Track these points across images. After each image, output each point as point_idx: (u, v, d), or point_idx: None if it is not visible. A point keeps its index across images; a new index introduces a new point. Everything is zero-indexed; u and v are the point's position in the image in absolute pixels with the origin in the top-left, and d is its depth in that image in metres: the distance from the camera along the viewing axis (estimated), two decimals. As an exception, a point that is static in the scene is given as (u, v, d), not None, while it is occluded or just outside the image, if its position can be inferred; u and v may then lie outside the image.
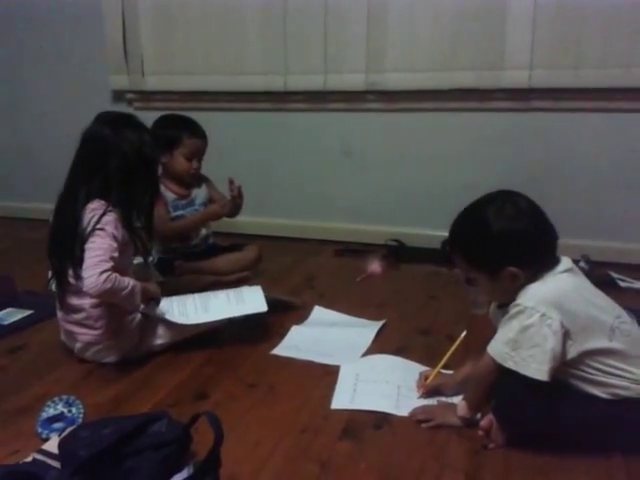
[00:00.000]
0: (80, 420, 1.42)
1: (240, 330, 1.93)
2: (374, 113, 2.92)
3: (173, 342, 1.82)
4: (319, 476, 1.27)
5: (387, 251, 2.79)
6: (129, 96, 3.26)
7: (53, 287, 1.78)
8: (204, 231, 2.47)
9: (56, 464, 1.20)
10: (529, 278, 1.33)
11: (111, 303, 1.68)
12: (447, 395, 1.53)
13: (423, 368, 1.67)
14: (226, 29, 3.00)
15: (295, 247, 2.97)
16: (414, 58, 2.76)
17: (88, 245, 1.63)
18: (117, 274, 1.61)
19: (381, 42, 2.79)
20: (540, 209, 1.35)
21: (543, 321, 1.26)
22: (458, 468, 1.30)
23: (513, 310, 1.31)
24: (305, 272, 2.62)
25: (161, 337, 1.81)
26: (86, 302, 1.71)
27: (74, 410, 1.44)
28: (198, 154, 2.36)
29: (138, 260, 1.99)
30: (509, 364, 1.29)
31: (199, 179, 2.45)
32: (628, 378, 1.29)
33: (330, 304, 2.19)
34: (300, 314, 2.12)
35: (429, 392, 1.54)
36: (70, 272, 1.70)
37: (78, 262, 1.65)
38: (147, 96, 3.22)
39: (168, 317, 1.79)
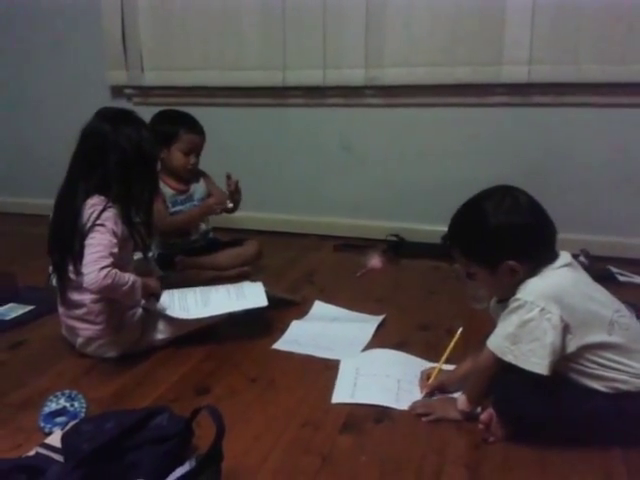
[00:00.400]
0: (82, 414, 1.43)
1: (241, 325, 1.93)
2: (373, 108, 2.92)
3: (174, 337, 1.83)
4: (320, 470, 1.28)
5: (387, 246, 2.79)
6: (128, 91, 3.26)
7: (54, 282, 1.78)
8: (204, 226, 2.47)
9: (59, 458, 1.20)
10: (528, 272, 1.33)
11: (112, 298, 1.69)
12: (450, 392, 1.53)
13: (423, 362, 1.69)
14: (225, 24, 3.00)
15: (295, 242, 2.97)
16: (413, 53, 2.76)
17: (88, 241, 1.63)
18: (117, 270, 1.62)
19: (380, 37, 2.79)
20: (539, 204, 1.36)
21: (543, 315, 1.27)
22: (458, 462, 1.30)
23: (513, 304, 1.32)
24: (305, 267, 2.63)
25: (162, 332, 1.82)
26: (87, 297, 1.71)
27: (76, 404, 1.45)
28: (195, 149, 2.36)
29: (138, 256, 2.00)
30: (509, 358, 1.30)
31: (197, 174, 2.45)
32: (627, 372, 1.29)
33: (330, 299, 2.20)
34: (300, 309, 2.13)
35: (432, 391, 1.54)
36: (70, 268, 1.71)
37: (78, 257, 1.65)
38: (146, 91, 3.22)
39: (169, 312, 1.80)
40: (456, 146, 2.82)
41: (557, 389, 1.31)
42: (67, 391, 1.48)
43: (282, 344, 1.87)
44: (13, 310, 2.10)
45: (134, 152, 1.71)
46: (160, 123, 2.31)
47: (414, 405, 1.49)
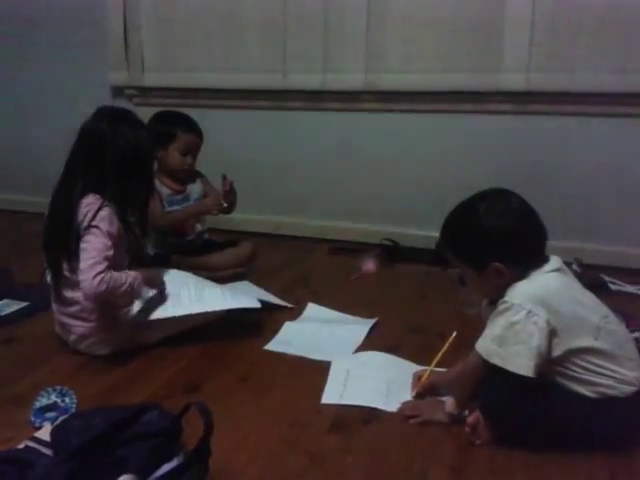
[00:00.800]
0: (73, 410, 1.44)
1: (233, 325, 1.94)
2: (372, 113, 2.93)
3: (167, 335, 1.84)
4: (307, 469, 1.29)
5: (381, 250, 2.80)
6: (129, 92, 3.27)
7: (48, 279, 1.79)
8: (199, 227, 2.49)
9: (48, 451, 1.21)
10: (516, 275, 1.35)
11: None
12: (441, 393, 1.54)
13: (414, 365, 1.70)
14: (226, 27, 3.02)
15: (290, 245, 2.98)
16: (412, 59, 2.78)
17: (83, 245, 1.65)
18: (112, 273, 1.64)
19: (380, 43, 2.81)
20: (531, 209, 1.38)
21: (529, 318, 1.29)
22: (445, 463, 1.32)
23: (500, 307, 1.34)
24: (299, 269, 2.64)
25: (155, 330, 1.83)
26: (80, 295, 1.72)
27: (67, 400, 1.46)
28: (193, 150, 2.38)
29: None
30: (495, 360, 1.31)
31: (194, 175, 2.47)
32: (613, 377, 1.31)
33: (324, 301, 2.21)
34: (293, 311, 2.14)
35: (424, 391, 1.55)
36: (65, 265, 1.72)
37: (73, 256, 1.67)
38: (147, 92, 3.24)
39: (161, 314, 1.80)
40: (453, 152, 2.83)
41: (544, 393, 1.33)
42: (58, 387, 1.50)
43: (274, 345, 1.88)
44: (7, 306, 2.11)
45: (131, 152, 1.72)
46: (158, 123, 2.33)
47: (402, 407, 1.50)
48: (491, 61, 2.66)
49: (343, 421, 1.46)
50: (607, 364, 1.31)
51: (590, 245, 2.64)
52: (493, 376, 1.33)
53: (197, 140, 2.38)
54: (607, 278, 2.42)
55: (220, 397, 1.56)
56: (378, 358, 1.77)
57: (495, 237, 1.34)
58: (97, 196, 1.70)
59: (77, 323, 1.75)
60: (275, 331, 1.96)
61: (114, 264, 1.66)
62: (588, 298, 1.39)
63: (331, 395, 1.57)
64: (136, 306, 1.79)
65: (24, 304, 2.12)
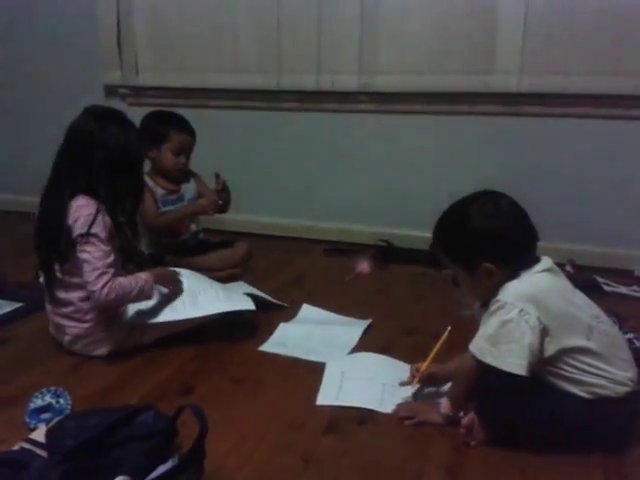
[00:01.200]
0: (68, 411, 1.44)
1: (228, 326, 1.94)
2: (365, 114, 2.94)
3: (161, 337, 1.83)
4: (302, 470, 1.30)
5: (376, 251, 2.81)
6: (122, 91, 3.26)
7: (41, 280, 1.79)
8: (194, 227, 2.49)
9: (43, 453, 1.21)
10: (507, 276, 1.36)
11: None
12: (439, 383, 1.54)
13: (408, 366, 1.69)
14: (220, 27, 3.02)
15: (285, 246, 2.98)
16: (406, 61, 2.79)
17: (83, 255, 1.65)
18: (120, 280, 1.67)
19: (374, 44, 2.81)
20: (522, 210, 1.39)
21: (521, 316, 1.30)
22: (439, 464, 1.32)
23: (493, 307, 1.35)
24: (294, 271, 2.64)
25: (150, 332, 1.82)
26: (74, 296, 1.73)
27: (62, 401, 1.46)
28: (186, 149, 2.38)
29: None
30: (488, 359, 1.32)
31: (188, 175, 2.47)
32: (606, 377, 1.32)
33: (318, 302, 2.21)
34: (288, 312, 2.14)
35: (423, 381, 1.54)
36: (57, 267, 1.72)
37: (64, 257, 1.68)
38: (140, 92, 3.23)
39: (155, 319, 1.80)
40: (446, 153, 2.84)
41: (538, 394, 1.33)
42: (53, 388, 1.49)
43: (269, 346, 1.88)
44: (1, 307, 2.10)
45: (120, 153, 1.71)
46: (151, 123, 2.33)
47: (397, 408, 1.50)
48: (484, 63, 2.68)
49: (338, 422, 1.47)
50: (599, 364, 1.32)
51: (583, 246, 2.65)
52: (487, 377, 1.34)
53: (190, 139, 2.38)
54: (600, 279, 2.43)
55: (215, 398, 1.56)
56: (373, 359, 1.77)
57: (485, 238, 1.36)
58: (87, 197, 1.69)
59: (71, 324, 1.75)
60: (270, 332, 1.96)
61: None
62: (579, 298, 1.40)
63: (326, 396, 1.57)
64: (131, 309, 1.79)
65: (18, 305, 2.12)
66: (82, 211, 1.67)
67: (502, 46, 2.63)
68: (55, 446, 1.19)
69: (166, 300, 1.83)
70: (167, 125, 2.34)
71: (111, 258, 1.67)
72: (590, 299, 1.42)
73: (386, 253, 2.81)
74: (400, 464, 1.32)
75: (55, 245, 1.69)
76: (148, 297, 1.77)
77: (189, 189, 2.45)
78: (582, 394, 1.32)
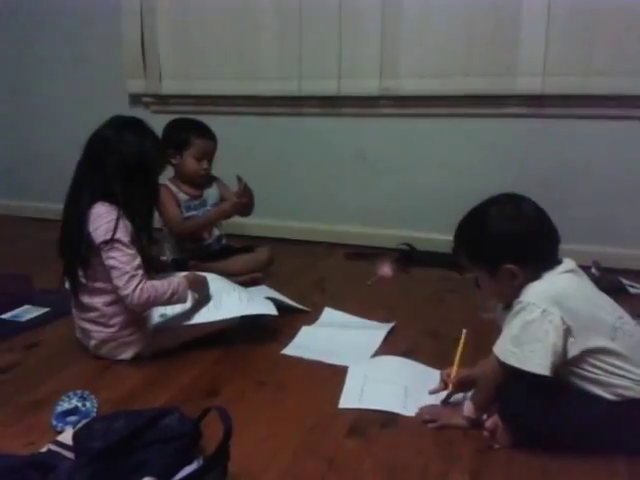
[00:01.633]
0: (94, 414, 1.45)
1: (251, 330, 1.95)
2: (387, 118, 2.95)
3: (186, 341, 1.85)
4: (326, 473, 1.30)
5: (398, 255, 2.80)
6: (146, 99, 3.31)
7: (67, 285, 1.82)
8: (217, 232, 2.51)
9: (70, 455, 1.23)
10: (529, 277, 1.36)
11: None
12: (470, 387, 1.49)
13: (431, 370, 1.70)
14: (242, 34, 3.05)
15: (307, 250, 2.99)
16: (428, 64, 2.79)
17: (110, 262, 1.68)
18: (153, 282, 1.70)
19: (395, 48, 2.82)
20: (543, 212, 1.39)
21: (545, 317, 1.29)
22: (463, 468, 1.31)
23: (516, 308, 1.35)
24: (316, 274, 2.65)
25: (174, 336, 1.84)
26: (99, 300, 1.75)
27: (88, 404, 1.48)
28: (207, 155, 2.40)
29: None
30: (512, 361, 1.32)
31: (210, 180, 2.49)
32: (631, 378, 1.30)
33: (340, 306, 2.21)
34: (310, 315, 2.15)
35: (458, 385, 1.51)
36: (80, 272, 1.74)
37: (86, 263, 1.71)
38: (164, 100, 3.27)
39: (180, 322, 1.82)
40: (469, 156, 2.83)
41: (562, 397, 1.32)
42: (79, 391, 1.51)
43: (291, 349, 1.89)
44: (28, 312, 2.14)
45: (134, 159, 1.72)
46: (172, 130, 2.37)
47: (420, 411, 1.50)
48: (507, 65, 2.66)
49: (361, 425, 1.47)
50: (624, 365, 1.30)
51: (608, 248, 2.62)
52: (511, 380, 1.33)
53: (211, 144, 2.40)
54: (626, 281, 2.40)
55: (238, 401, 1.57)
56: (395, 362, 1.77)
57: (506, 239, 1.36)
58: (107, 204, 1.71)
59: (97, 329, 1.78)
60: (292, 336, 1.97)
61: None
62: (603, 299, 1.39)
63: (349, 400, 1.58)
64: (155, 313, 1.81)
65: (44, 310, 2.15)
66: (103, 219, 1.69)
67: (525, 47, 2.62)
68: (82, 448, 1.21)
69: (194, 305, 1.85)
70: (188, 132, 2.37)
71: (138, 260, 1.69)
72: (615, 301, 1.41)
73: (408, 257, 2.80)
74: (423, 467, 1.32)
75: (77, 251, 1.71)
76: (183, 300, 1.79)
77: (212, 194, 2.47)
78: (606, 395, 1.31)
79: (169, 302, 1.76)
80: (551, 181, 2.64)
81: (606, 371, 1.30)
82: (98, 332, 1.77)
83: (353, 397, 1.59)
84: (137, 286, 1.66)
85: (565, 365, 1.31)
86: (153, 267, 1.89)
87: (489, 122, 2.79)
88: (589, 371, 1.31)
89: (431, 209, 2.89)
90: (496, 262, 1.37)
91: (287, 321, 2.05)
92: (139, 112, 3.11)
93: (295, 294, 2.26)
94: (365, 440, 1.41)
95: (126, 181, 1.72)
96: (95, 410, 1.47)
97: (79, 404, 1.47)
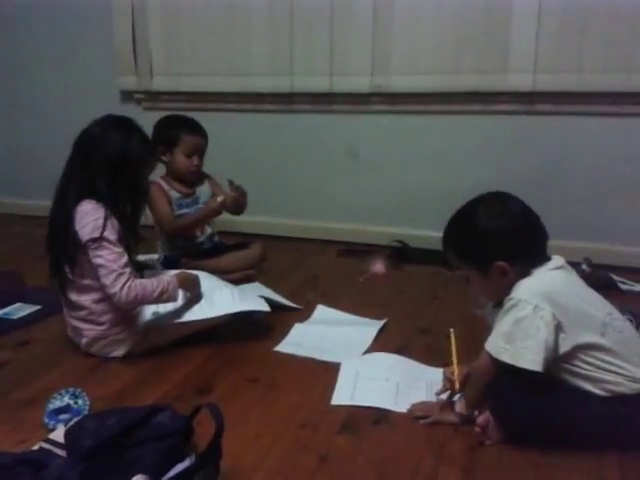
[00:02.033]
0: (86, 411, 1.45)
1: (243, 327, 1.95)
2: (379, 115, 2.95)
3: (178, 338, 1.85)
4: (317, 469, 1.30)
5: (390, 252, 2.81)
6: (137, 96, 3.30)
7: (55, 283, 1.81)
8: (209, 229, 2.50)
9: (62, 453, 1.22)
10: (519, 274, 1.37)
11: None
12: None
13: (423, 366, 1.71)
14: (233, 31, 3.04)
15: (299, 247, 3.00)
16: (419, 61, 2.79)
17: (97, 260, 1.67)
18: (141, 280, 1.70)
19: (386, 45, 2.82)
20: (530, 210, 1.40)
21: (536, 313, 1.30)
22: (454, 463, 1.32)
23: (507, 304, 1.35)
24: (309, 271, 2.65)
25: (166, 333, 1.84)
26: (87, 298, 1.75)
27: (80, 402, 1.47)
28: (198, 151, 2.39)
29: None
30: (504, 357, 1.32)
31: (202, 177, 2.48)
32: (621, 374, 1.31)
33: (333, 303, 2.22)
34: (303, 312, 2.15)
35: (462, 384, 1.48)
36: (67, 270, 1.74)
37: (72, 261, 1.70)
38: (155, 96, 3.26)
39: (172, 319, 1.82)
40: (461, 153, 2.84)
41: (553, 393, 1.33)
42: (71, 389, 1.51)
43: (284, 346, 1.89)
44: (20, 310, 2.13)
45: (118, 156, 1.71)
46: (162, 128, 2.36)
47: (412, 408, 1.50)
48: (498, 61, 2.67)
49: (353, 422, 1.47)
50: (615, 360, 1.31)
51: (599, 245, 2.64)
52: (503, 376, 1.34)
53: (201, 141, 2.39)
54: (617, 278, 2.41)
55: (230, 398, 1.57)
56: (387, 359, 1.78)
57: (494, 237, 1.37)
58: (93, 202, 1.70)
59: (88, 327, 1.77)
60: (285, 333, 1.97)
61: None
62: (592, 295, 1.40)
63: (341, 396, 1.58)
64: (147, 310, 1.81)
65: (36, 307, 2.14)
66: (89, 217, 1.68)
67: (516, 44, 2.62)
68: (74, 446, 1.21)
69: (185, 303, 1.85)
70: (177, 128, 2.36)
71: (125, 259, 1.69)
72: (606, 297, 1.42)
73: (400, 254, 2.81)
74: (415, 463, 1.32)
75: (63, 248, 1.71)
76: (173, 299, 1.79)
77: (204, 191, 2.47)
78: (597, 391, 1.32)
79: (158, 301, 1.76)
80: (541, 178, 2.66)
81: (597, 367, 1.31)
82: (89, 330, 1.77)
83: (345, 394, 1.59)
84: (125, 284, 1.66)
85: (556, 361, 1.32)
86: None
87: (480, 119, 2.79)
88: (580, 367, 1.32)
89: (423, 206, 2.89)
90: (485, 260, 1.38)
91: (280, 318, 2.05)
92: (130, 109, 3.12)
93: (288, 291, 2.27)
94: (357, 437, 1.42)
95: (111, 179, 1.71)
96: (87, 408, 1.47)
97: (71, 402, 1.47)
